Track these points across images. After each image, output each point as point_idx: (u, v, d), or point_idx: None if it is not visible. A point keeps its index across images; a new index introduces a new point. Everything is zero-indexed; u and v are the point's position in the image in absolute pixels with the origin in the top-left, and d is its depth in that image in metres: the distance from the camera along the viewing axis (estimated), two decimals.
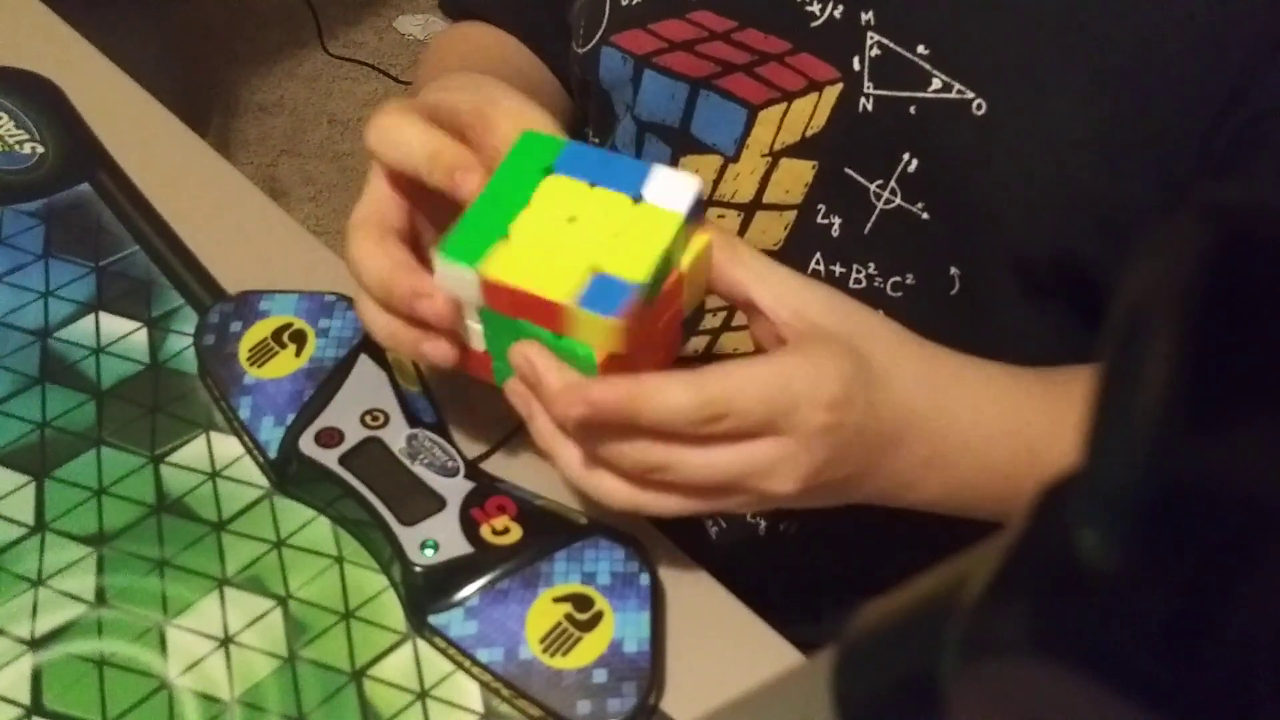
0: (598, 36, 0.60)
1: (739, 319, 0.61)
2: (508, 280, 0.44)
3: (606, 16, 0.59)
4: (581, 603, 0.51)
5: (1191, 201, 0.19)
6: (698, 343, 0.62)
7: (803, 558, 0.69)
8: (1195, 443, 0.18)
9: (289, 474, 0.57)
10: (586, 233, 0.44)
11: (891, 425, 0.45)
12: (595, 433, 0.44)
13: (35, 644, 0.52)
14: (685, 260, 0.45)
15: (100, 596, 0.53)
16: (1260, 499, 0.18)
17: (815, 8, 0.54)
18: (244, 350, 0.60)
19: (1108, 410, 0.20)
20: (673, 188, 0.45)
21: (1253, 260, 0.19)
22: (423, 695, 0.51)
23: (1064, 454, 0.50)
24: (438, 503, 0.54)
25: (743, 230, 0.60)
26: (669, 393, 0.42)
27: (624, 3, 0.59)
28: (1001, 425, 0.48)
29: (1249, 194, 0.19)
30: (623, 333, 0.43)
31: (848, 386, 0.43)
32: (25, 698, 0.50)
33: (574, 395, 0.42)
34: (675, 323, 0.47)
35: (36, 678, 0.51)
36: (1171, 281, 0.19)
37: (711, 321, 0.62)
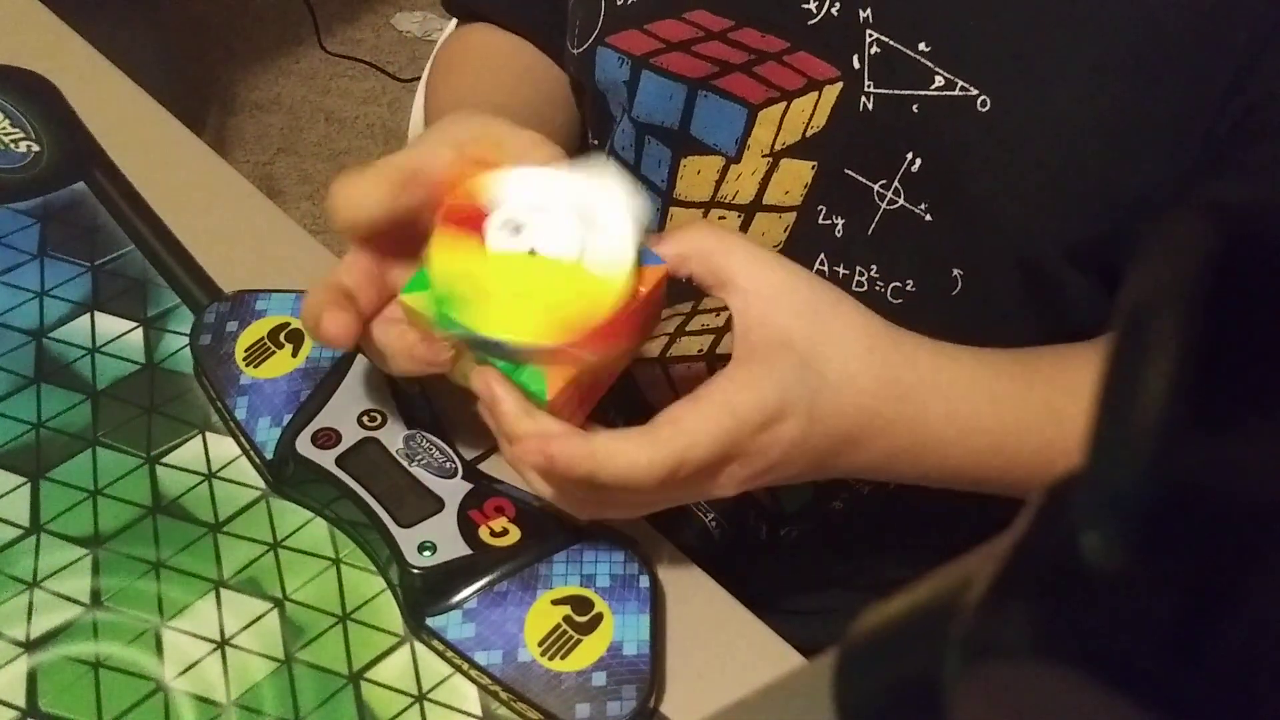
0: (593, 37, 0.59)
1: None
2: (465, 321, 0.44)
3: (601, 16, 0.59)
4: (581, 605, 0.51)
5: (1193, 200, 0.19)
6: (702, 342, 0.62)
7: (804, 560, 0.68)
8: (1199, 443, 0.18)
9: (286, 475, 0.56)
10: (542, 276, 0.45)
11: (844, 428, 0.47)
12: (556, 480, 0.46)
13: (30, 646, 0.51)
14: (627, 298, 0.44)
15: (96, 598, 0.53)
16: (1264, 500, 0.18)
17: (812, 5, 0.54)
18: (240, 350, 0.60)
19: (1111, 410, 0.20)
20: (613, 244, 0.45)
21: (1255, 260, 0.19)
22: (421, 698, 0.51)
23: (1037, 443, 0.51)
24: (436, 504, 0.53)
25: (742, 231, 0.59)
26: (628, 456, 0.43)
27: (619, 2, 0.58)
28: (978, 423, 0.49)
29: (1251, 193, 0.19)
30: (560, 392, 0.44)
31: (785, 403, 0.45)
32: (21, 700, 0.50)
33: (533, 445, 0.44)
34: (631, 335, 0.47)
35: (32, 680, 0.50)
36: (1174, 281, 0.19)
37: (715, 321, 0.61)
